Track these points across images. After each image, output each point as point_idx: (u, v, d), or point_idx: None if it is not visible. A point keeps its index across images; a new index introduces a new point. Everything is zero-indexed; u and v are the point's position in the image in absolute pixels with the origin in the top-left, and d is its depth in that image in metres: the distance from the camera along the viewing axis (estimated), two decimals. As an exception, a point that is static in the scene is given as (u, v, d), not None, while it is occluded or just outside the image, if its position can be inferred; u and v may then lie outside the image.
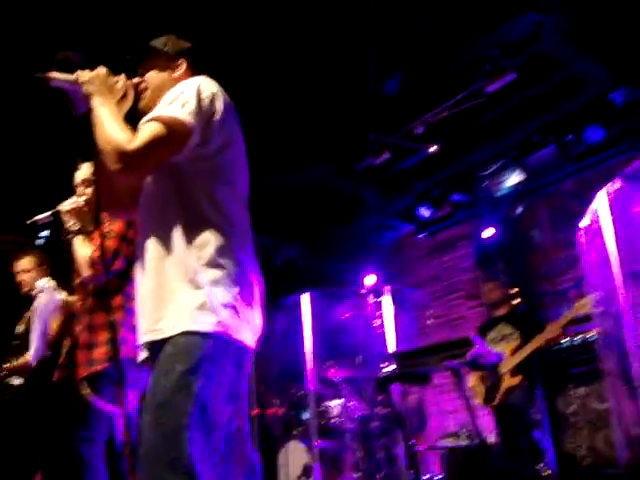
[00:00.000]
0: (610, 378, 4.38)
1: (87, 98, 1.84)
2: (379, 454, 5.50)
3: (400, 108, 5.63)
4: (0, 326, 4.52)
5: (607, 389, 4.51)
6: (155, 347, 1.73)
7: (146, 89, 1.99)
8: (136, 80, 1.99)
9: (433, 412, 6.65)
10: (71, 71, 1.91)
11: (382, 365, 4.67)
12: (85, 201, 2.88)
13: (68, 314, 3.44)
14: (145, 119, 1.77)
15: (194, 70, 2.01)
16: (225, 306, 1.71)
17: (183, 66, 2.02)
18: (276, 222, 6.29)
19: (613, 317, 4.16)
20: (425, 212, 6.85)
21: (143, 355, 1.84)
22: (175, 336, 1.68)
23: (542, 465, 5.00)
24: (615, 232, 3.82)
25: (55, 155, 4.07)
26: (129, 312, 2.75)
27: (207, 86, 1.82)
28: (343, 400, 5.66)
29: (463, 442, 5.45)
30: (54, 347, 3.28)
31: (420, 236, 7.43)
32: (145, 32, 2.10)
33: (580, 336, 5.03)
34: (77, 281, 2.99)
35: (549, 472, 4.94)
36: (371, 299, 6.09)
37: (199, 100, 1.76)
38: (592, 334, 4.80)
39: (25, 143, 4.91)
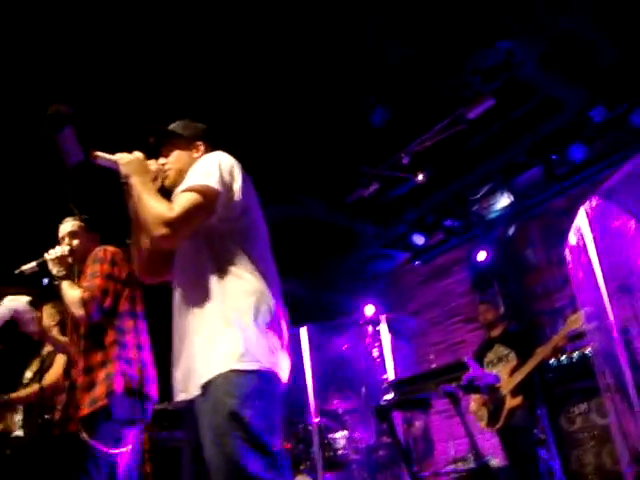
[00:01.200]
0: (608, 394, 4.38)
1: (126, 178, 2.09)
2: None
3: (386, 140, 5.75)
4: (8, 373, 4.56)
5: (607, 404, 4.51)
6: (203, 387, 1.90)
7: (170, 170, 2.24)
8: (161, 161, 2.25)
9: (440, 438, 6.62)
10: (63, 125, 2.08)
11: (383, 394, 4.68)
12: (69, 251, 2.98)
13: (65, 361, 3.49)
14: (179, 189, 2.04)
15: (210, 149, 2.26)
16: (265, 347, 1.93)
17: (202, 148, 2.28)
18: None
19: (605, 332, 4.19)
20: (419, 239, 6.93)
21: (185, 396, 1.99)
22: (224, 374, 1.85)
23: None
24: (597, 248, 3.88)
25: (40, 206, 4.18)
26: (124, 346, 2.81)
27: (226, 158, 2.11)
28: (347, 431, 5.66)
29: (470, 466, 5.42)
30: (49, 401, 3.33)
31: (416, 263, 7.50)
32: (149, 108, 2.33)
33: (577, 352, 5.05)
34: (68, 324, 3.06)
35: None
36: (370, 329, 6.13)
37: (221, 170, 2.04)
38: (589, 350, 4.82)
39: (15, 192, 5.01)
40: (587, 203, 3.95)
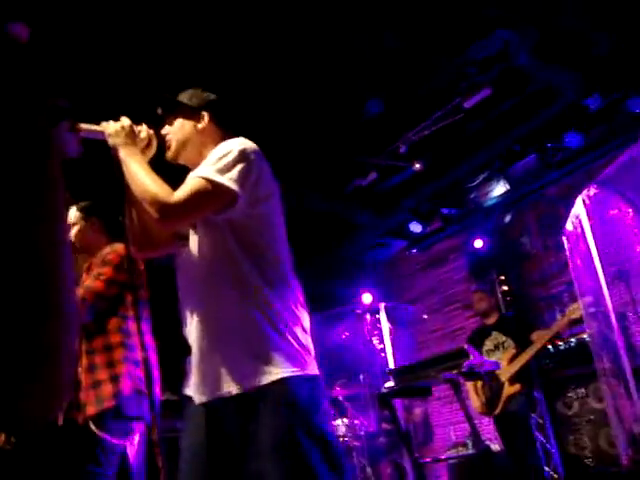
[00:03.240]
0: (605, 378, 4.46)
1: (114, 150, 1.96)
2: (387, 469, 5.55)
3: (383, 129, 5.78)
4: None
5: (603, 389, 4.58)
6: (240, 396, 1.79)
7: (172, 140, 2.08)
8: (163, 132, 2.10)
9: (439, 424, 6.71)
10: (66, 118, 2.02)
11: (383, 382, 4.75)
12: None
13: None
14: (193, 174, 1.87)
15: (218, 122, 2.11)
16: (306, 348, 1.85)
17: (206, 118, 2.09)
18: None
19: (602, 317, 4.26)
20: (416, 227, 6.98)
21: (206, 397, 1.88)
22: (272, 384, 1.76)
23: (549, 469, 5.07)
24: (594, 236, 3.94)
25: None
26: (131, 348, 2.84)
27: (250, 147, 1.92)
28: (348, 419, 5.72)
29: (470, 451, 5.51)
30: None
31: (413, 251, 7.55)
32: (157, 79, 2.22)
33: (574, 338, 5.13)
34: None
35: (556, 476, 5.01)
36: (368, 317, 6.18)
37: (245, 166, 1.86)
38: (586, 335, 4.89)
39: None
40: (585, 191, 4.01)
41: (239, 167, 1.85)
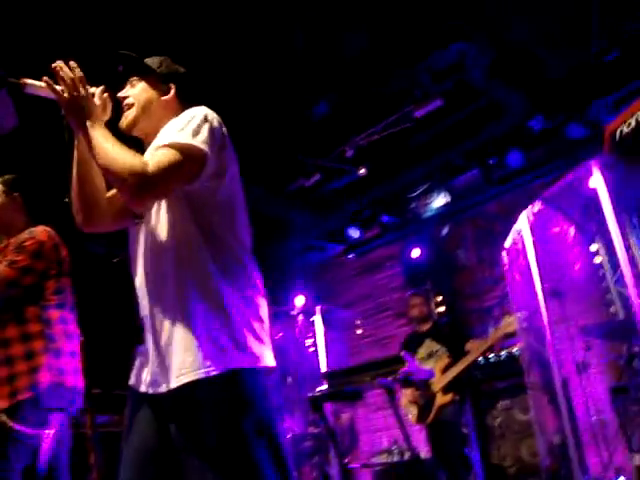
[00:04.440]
0: (533, 391, 4.59)
1: (69, 117, 1.77)
2: (312, 474, 5.51)
3: (332, 131, 5.75)
4: None
5: (530, 401, 4.72)
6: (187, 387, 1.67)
7: (132, 105, 1.92)
8: (122, 94, 1.93)
9: (365, 430, 6.73)
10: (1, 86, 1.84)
11: (316, 384, 4.70)
12: None
13: None
14: (158, 144, 1.73)
15: (181, 97, 1.97)
16: (255, 339, 1.74)
17: (172, 91, 1.95)
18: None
19: (535, 332, 4.38)
20: (354, 233, 6.99)
21: (153, 389, 1.76)
22: (217, 377, 1.65)
23: (471, 478, 5.16)
24: (536, 252, 4.05)
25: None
26: (51, 338, 2.67)
27: (213, 115, 1.81)
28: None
29: (395, 458, 5.54)
30: None
31: (350, 256, 7.57)
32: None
33: (505, 351, 5.26)
34: None
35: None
36: (300, 319, 6.13)
37: (210, 128, 1.75)
38: (517, 349, 5.03)
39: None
40: (529, 207, 4.11)
41: (205, 130, 1.74)
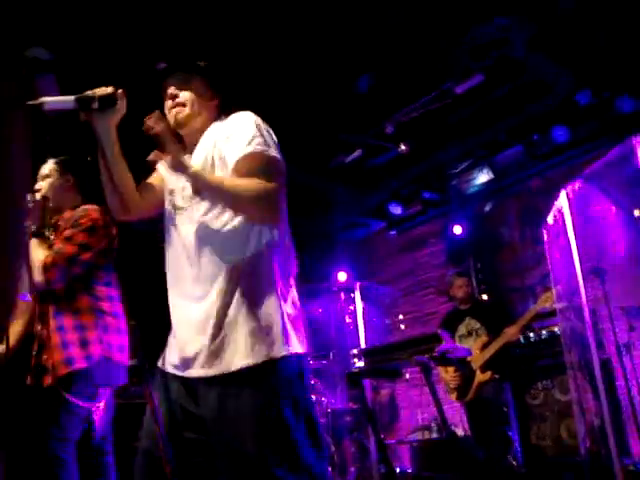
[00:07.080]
0: (572, 371, 4.53)
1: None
2: (351, 448, 5.59)
3: (373, 107, 5.71)
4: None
5: (570, 381, 4.66)
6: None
7: (183, 105, 1.96)
8: (172, 91, 1.97)
9: (405, 406, 6.77)
10: (43, 72, 1.87)
11: (353, 360, 4.75)
12: (41, 196, 2.87)
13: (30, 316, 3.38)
14: (236, 155, 1.80)
15: (222, 104, 2.05)
16: (293, 325, 1.81)
17: (218, 98, 2.04)
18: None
19: (575, 311, 4.31)
20: (396, 209, 6.96)
21: (200, 372, 1.80)
22: (263, 364, 1.72)
23: (510, 456, 5.15)
24: (576, 230, 3.96)
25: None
26: (101, 313, 2.77)
27: (259, 120, 1.91)
28: (315, 395, 5.73)
29: (434, 435, 5.57)
30: (22, 350, 3.25)
31: (391, 233, 7.54)
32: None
33: (546, 330, 5.19)
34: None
35: (515, 464, 5.10)
36: (342, 296, 6.17)
37: (271, 136, 1.87)
38: (557, 328, 4.95)
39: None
40: (570, 186, 4.02)
41: (269, 138, 1.86)
